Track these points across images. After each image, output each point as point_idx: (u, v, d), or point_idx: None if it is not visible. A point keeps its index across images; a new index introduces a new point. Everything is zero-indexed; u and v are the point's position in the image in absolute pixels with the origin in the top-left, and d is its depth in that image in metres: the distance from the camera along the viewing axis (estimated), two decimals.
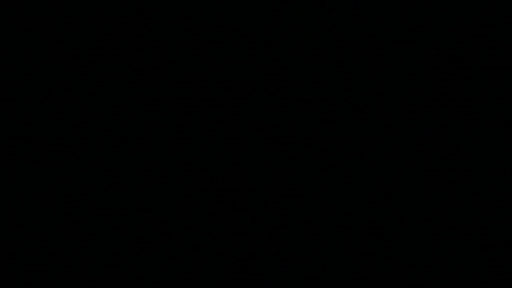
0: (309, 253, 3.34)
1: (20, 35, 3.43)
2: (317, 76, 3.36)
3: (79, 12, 3.42)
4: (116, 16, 3.43)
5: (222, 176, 3.40)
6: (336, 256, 3.33)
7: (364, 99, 3.35)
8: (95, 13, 3.43)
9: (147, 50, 3.43)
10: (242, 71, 3.39)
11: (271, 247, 3.36)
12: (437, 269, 3.28)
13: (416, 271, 3.28)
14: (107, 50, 3.44)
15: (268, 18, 3.37)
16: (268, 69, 3.38)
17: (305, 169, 3.37)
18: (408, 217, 3.33)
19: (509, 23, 3.27)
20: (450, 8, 3.28)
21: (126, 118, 3.42)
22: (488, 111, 3.33)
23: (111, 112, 3.43)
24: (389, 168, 3.33)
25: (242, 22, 3.39)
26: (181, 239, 3.39)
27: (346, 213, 3.34)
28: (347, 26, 3.35)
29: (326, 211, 3.35)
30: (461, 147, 3.32)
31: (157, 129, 3.41)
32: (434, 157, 3.32)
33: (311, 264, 3.32)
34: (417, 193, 3.32)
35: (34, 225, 3.42)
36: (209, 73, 3.40)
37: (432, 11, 3.30)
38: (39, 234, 3.43)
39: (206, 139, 3.39)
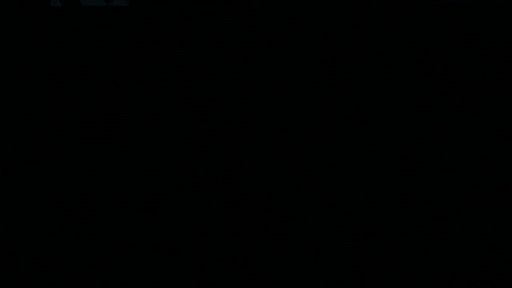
0: (309, 253, 3.34)
1: (21, 35, 3.45)
2: (317, 76, 3.36)
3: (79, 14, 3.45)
4: (116, 16, 3.45)
5: (222, 176, 3.40)
6: (336, 256, 3.33)
7: (364, 99, 3.35)
8: (95, 13, 3.45)
9: (147, 51, 3.44)
10: (242, 71, 3.39)
11: (271, 247, 3.36)
12: (437, 269, 3.28)
13: (416, 272, 3.28)
14: (108, 50, 3.45)
15: (268, 18, 3.37)
16: (268, 69, 3.38)
17: (305, 169, 3.37)
18: (408, 217, 3.32)
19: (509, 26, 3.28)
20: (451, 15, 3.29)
21: (126, 118, 3.43)
22: (488, 111, 3.33)
23: (111, 112, 3.44)
24: (389, 168, 3.33)
25: (242, 22, 3.39)
26: (181, 239, 3.39)
27: (346, 213, 3.34)
28: (347, 26, 3.35)
29: (326, 211, 3.35)
30: (461, 147, 3.32)
31: (157, 129, 3.41)
32: (434, 157, 3.32)
33: (311, 264, 3.32)
34: (417, 193, 3.32)
35: (34, 225, 3.42)
36: (209, 73, 3.41)
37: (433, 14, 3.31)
38: (39, 234, 3.43)
39: (206, 139, 3.40)
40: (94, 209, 3.42)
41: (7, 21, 3.48)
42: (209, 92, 3.41)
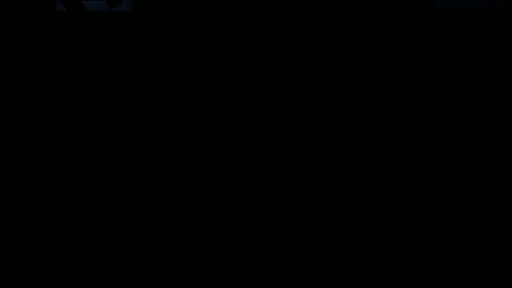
0: (309, 253, 3.33)
1: (26, 38, 3.51)
2: (317, 76, 3.39)
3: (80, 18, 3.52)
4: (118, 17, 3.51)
5: (222, 176, 3.41)
6: (336, 256, 3.31)
7: (364, 99, 3.37)
8: (96, 15, 3.52)
9: (149, 54, 3.49)
10: (241, 71, 3.43)
11: (271, 247, 3.35)
12: (437, 269, 3.26)
13: (416, 272, 3.26)
14: (111, 53, 3.50)
15: (267, 19, 3.42)
16: (268, 69, 3.41)
17: (305, 169, 3.38)
18: (408, 217, 3.32)
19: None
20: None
21: (128, 118, 3.46)
22: (486, 112, 3.35)
23: (112, 113, 3.47)
24: (389, 168, 3.34)
25: (242, 22, 3.44)
26: (181, 239, 3.39)
27: (346, 213, 3.34)
28: (346, 26, 3.39)
29: (326, 211, 3.34)
30: (460, 147, 3.33)
31: (158, 129, 3.44)
32: (434, 157, 3.33)
33: (311, 264, 3.30)
34: (417, 193, 3.32)
35: (34, 225, 3.43)
36: (209, 74, 3.45)
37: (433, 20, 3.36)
38: (39, 234, 3.43)
39: (206, 139, 3.41)
40: (94, 209, 3.43)
41: (13, 23, 3.55)
42: (209, 93, 3.44)
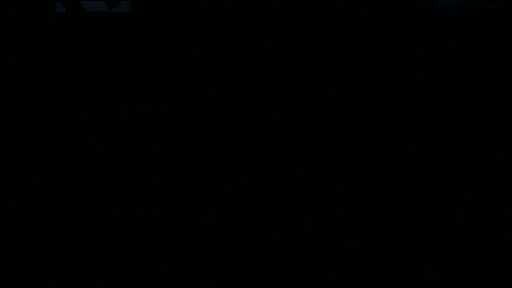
0: (309, 253, 3.33)
1: (26, 39, 3.51)
2: (317, 76, 3.40)
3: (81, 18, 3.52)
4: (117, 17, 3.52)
5: (221, 176, 3.41)
6: (336, 256, 3.31)
7: (364, 99, 3.38)
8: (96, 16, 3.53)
9: (148, 54, 3.49)
10: (241, 71, 3.43)
11: (271, 247, 3.35)
12: (437, 269, 3.26)
13: (416, 272, 3.26)
14: (110, 53, 3.51)
15: (267, 19, 3.43)
16: (268, 69, 3.42)
17: (305, 169, 3.38)
18: (408, 217, 3.32)
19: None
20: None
21: (127, 118, 3.46)
22: (488, 112, 3.35)
23: (112, 112, 3.47)
24: (389, 168, 3.34)
25: (242, 22, 3.45)
26: (181, 239, 3.39)
27: (346, 213, 3.34)
28: (346, 27, 3.40)
29: (326, 211, 3.35)
30: (461, 147, 3.33)
31: (157, 129, 3.44)
32: (433, 157, 3.33)
33: (311, 264, 3.31)
34: (417, 193, 3.32)
35: (34, 225, 3.43)
36: (209, 74, 3.45)
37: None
38: (39, 234, 3.43)
39: (206, 139, 3.42)
40: (94, 209, 3.43)
41: (13, 23, 3.55)
42: (209, 93, 3.45)
